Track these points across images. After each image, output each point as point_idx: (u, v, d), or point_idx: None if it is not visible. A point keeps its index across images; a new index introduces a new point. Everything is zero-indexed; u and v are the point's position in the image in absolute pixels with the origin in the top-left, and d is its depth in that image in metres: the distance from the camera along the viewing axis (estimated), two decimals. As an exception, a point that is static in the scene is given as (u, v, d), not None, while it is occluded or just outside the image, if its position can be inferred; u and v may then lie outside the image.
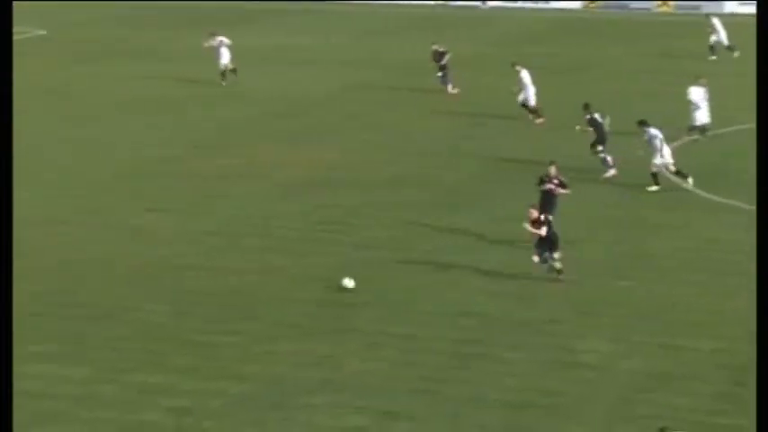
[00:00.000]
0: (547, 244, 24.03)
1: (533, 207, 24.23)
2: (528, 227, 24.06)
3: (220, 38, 44.69)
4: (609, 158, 31.31)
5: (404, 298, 23.02)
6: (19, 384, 19.00)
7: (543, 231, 23.84)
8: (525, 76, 37.92)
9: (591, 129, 31.90)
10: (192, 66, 47.00)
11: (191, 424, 18.29)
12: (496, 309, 22.61)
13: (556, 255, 24.03)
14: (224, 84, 44.45)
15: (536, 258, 24.02)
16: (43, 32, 58.94)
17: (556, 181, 26.13)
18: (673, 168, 30.00)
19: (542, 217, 24.08)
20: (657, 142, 29.86)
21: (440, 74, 42.53)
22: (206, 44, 45.06)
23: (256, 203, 29.81)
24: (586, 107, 31.87)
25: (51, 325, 22.16)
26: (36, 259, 25.50)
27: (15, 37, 61.52)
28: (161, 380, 19.73)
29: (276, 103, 41.85)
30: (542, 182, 26.19)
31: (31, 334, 21.46)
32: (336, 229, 27.64)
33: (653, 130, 30.06)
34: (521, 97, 38.11)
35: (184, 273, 24.85)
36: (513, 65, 38.38)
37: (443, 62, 42.60)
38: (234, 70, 44.49)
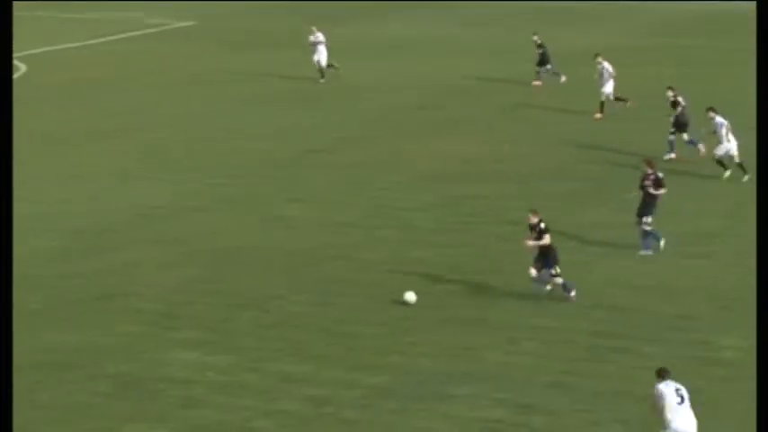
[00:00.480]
0: (545, 257, 22.76)
1: (533, 212, 22.82)
2: (528, 242, 22.76)
3: (318, 34, 44.76)
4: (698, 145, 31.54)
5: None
6: (164, 371, 19.92)
7: (546, 240, 22.57)
8: (607, 67, 37.64)
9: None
10: (336, 58, 46.92)
11: (330, 413, 18.46)
12: (634, 302, 22.39)
13: (554, 270, 22.79)
14: (322, 81, 44.12)
15: (534, 272, 22.78)
16: (190, 23, 60.55)
17: (651, 179, 25.13)
18: (737, 160, 29.96)
19: (539, 223, 22.68)
20: (723, 130, 29.98)
21: (546, 66, 42.54)
22: (310, 39, 44.89)
23: (398, 194, 30.02)
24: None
25: (197, 312, 22.59)
26: (182, 246, 26.14)
27: (164, 28, 63.58)
28: (301, 369, 19.94)
29: (423, 92, 41.92)
30: (642, 181, 25.39)
31: (177, 322, 22.03)
32: (476, 220, 27.65)
33: (719, 119, 30.16)
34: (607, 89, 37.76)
35: (326, 263, 25.11)
36: (596, 56, 38.07)
37: (542, 52, 42.88)
38: (330, 66, 44.45)
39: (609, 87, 37.70)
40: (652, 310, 22.12)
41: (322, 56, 44.46)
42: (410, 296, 22.80)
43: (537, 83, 42.73)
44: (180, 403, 19.00)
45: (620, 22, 58.41)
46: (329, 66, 44.63)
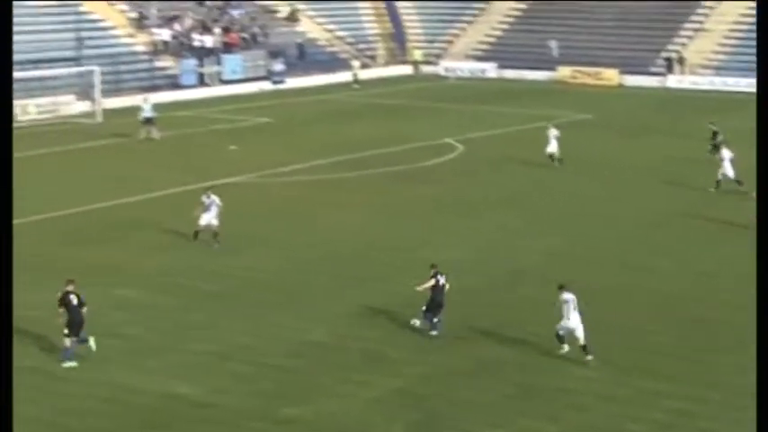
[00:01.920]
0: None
1: None
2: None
3: (552, 129, 48.46)
4: None
5: None
6: (559, 382, 23.70)
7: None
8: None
9: None
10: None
11: (686, 424, 21.59)
12: None
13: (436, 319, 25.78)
14: (556, 164, 47.46)
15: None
16: (588, 116, 66.17)
17: None
18: None
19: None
20: None
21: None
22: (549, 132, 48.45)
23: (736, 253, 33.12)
24: None
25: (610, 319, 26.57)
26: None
27: (566, 120, 68.27)
28: (661, 386, 23.34)
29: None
30: None
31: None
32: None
33: None
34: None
35: (685, 303, 28.87)
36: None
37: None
38: (556, 158, 47.51)
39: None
40: None
41: (551, 147, 47.51)
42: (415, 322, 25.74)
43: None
44: (569, 407, 22.29)
45: None
46: (558, 159, 47.64)
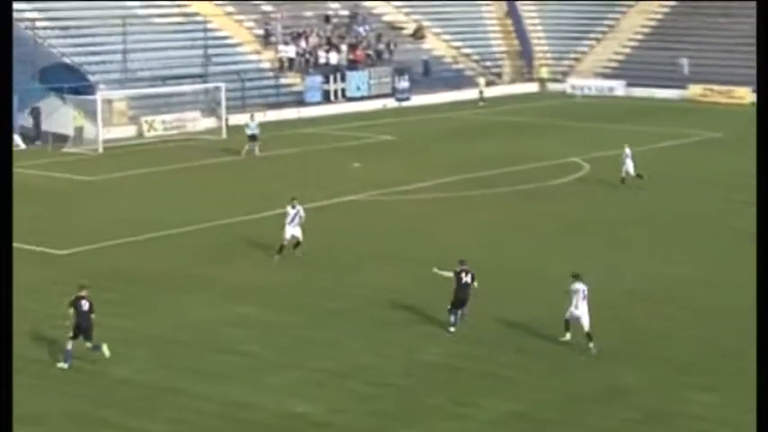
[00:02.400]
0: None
1: None
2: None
3: (626, 149, 47.96)
4: None
5: None
6: (683, 407, 23.41)
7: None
8: None
9: None
10: None
11: None
12: None
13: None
14: (628, 182, 47.10)
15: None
16: (718, 135, 65.00)
17: None
18: None
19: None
20: None
21: None
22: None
23: None
24: None
25: (704, 361, 26.09)
26: (691, 311, 29.61)
27: (697, 138, 67.55)
28: None
29: None
30: None
31: (694, 368, 25.46)
32: None
33: None
34: None
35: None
36: None
37: None
38: (639, 175, 47.19)
39: None
40: None
41: (628, 167, 47.08)
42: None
43: None
44: (691, 433, 22.16)
45: None
46: (637, 175, 46.91)
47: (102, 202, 45.77)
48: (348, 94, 77.79)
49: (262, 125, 59.73)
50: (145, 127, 65.25)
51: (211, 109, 67.94)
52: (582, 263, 34.96)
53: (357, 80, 78.32)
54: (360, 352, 26.77)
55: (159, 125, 65.27)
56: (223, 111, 65.92)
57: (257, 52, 77.35)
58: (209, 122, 66.79)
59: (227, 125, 65.49)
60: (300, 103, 75.23)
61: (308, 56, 78.53)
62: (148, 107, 67.37)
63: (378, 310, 30.14)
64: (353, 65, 79.67)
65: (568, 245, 38.19)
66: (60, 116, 61.97)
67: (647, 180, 48.42)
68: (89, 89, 63.08)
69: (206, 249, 37.32)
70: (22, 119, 61.84)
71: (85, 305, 25.11)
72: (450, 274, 28.28)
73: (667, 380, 25.19)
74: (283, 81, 76.18)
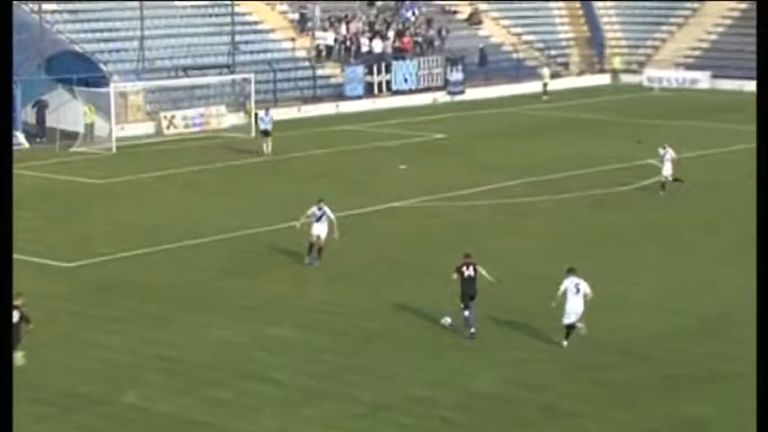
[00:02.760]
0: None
1: None
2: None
3: (667, 149, 47.78)
4: None
5: None
6: None
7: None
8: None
9: None
10: None
11: None
12: None
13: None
14: (661, 193, 47.07)
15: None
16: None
17: None
18: None
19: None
20: None
21: None
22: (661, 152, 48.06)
23: None
24: None
25: None
26: None
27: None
28: None
29: None
30: None
31: None
32: None
33: None
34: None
35: None
36: None
37: None
38: (677, 179, 47.18)
39: None
40: None
41: (666, 170, 47.35)
42: (447, 320, 29.75)
43: None
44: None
45: None
46: (675, 179, 47.24)
47: (113, 207, 45.98)
48: (394, 86, 77.98)
49: (290, 122, 59.74)
50: (164, 123, 65.63)
51: (239, 103, 68.16)
52: (657, 277, 35.04)
53: (404, 71, 78.55)
54: (405, 380, 26.51)
55: (180, 121, 65.63)
56: (252, 105, 65.93)
57: (291, 39, 77.86)
58: (236, 119, 67.25)
59: (256, 122, 65.67)
60: (340, 96, 75.38)
61: (348, 43, 78.67)
62: (168, 101, 67.71)
63: (424, 332, 29.88)
64: (400, 54, 79.79)
65: (643, 256, 37.98)
66: (69, 111, 62.61)
67: (739, 182, 47.94)
68: (101, 81, 63.49)
69: (229, 261, 37.20)
70: (24, 114, 62.18)
71: (16, 315, 25.01)
72: (454, 276, 29.57)
73: (746, 412, 24.11)
74: (321, 72, 76.44)
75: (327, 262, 36.21)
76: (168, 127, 64.93)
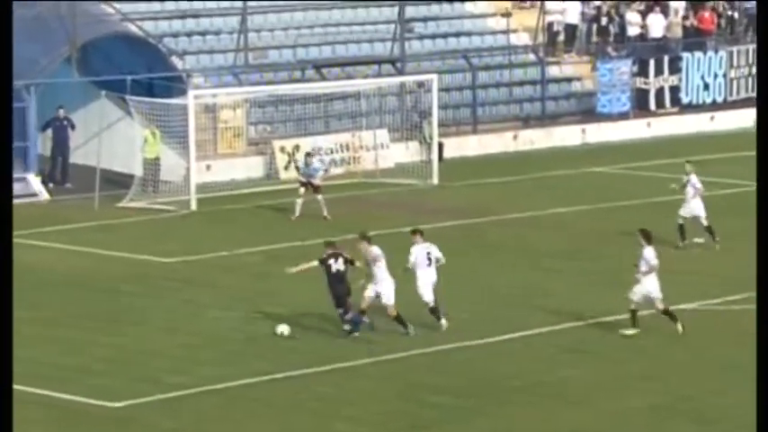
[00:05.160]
0: None
1: None
2: None
3: (691, 178, 53.18)
4: None
5: None
6: None
7: None
8: None
9: None
10: None
11: None
12: None
13: None
14: (680, 245, 52.32)
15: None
16: None
17: None
18: None
19: None
20: None
21: None
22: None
23: None
24: None
25: None
26: None
27: None
28: None
29: None
30: None
31: None
32: None
33: None
34: None
35: None
36: None
37: None
38: (708, 229, 52.68)
39: None
40: None
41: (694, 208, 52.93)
42: (282, 328, 39.90)
43: None
44: None
45: None
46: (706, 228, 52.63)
47: (192, 305, 46.38)
48: (685, 97, 75.99)
49: (497, 159, 58.14)
50: (279, 160, 64.66)
51: (411, 125, 66.81)
52: None
53: (703, 70, 77.06)
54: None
55: (308, 156, 64.41)
56: (434, 128, 65.00)
57: (503, 14, 76.44)
58: (406, 150, 66.64)
59: (440, 156, 64.16)
60: (588, 114, 73.85)
61: (604, 21, 76.95)
62: (288, 120, 66.72)
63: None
64: (697, 40, 77.88)
65: None
66: (117, 137, 62.87)
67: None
68: (173, 85, 62.82)
69: None
70: (41, 141, 61.89)
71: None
72: (312, 264, 39.33)
73: None
74: (554, 72, 75.22)
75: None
76: (287, 166, 63.91)
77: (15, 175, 59.35)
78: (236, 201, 59.91)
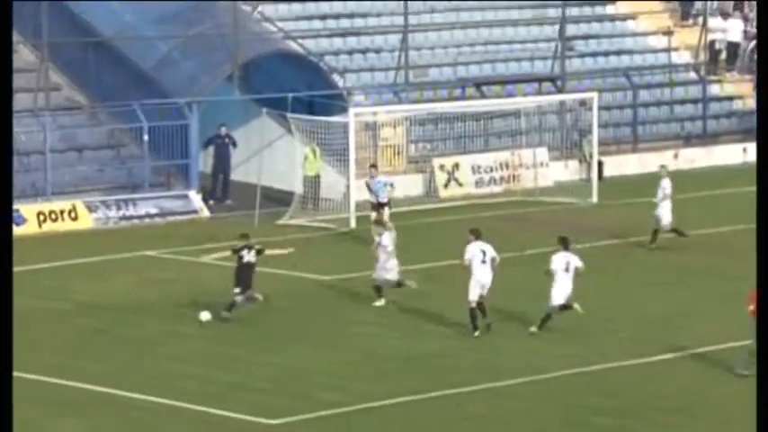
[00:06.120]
0: None
1: None
2: None
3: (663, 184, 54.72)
4: None
5: None
6: None
7: None
8: None
9: None
10: None
11: None
12: None
13: None
14: (652, 245, 54.83)
15: None
16: None
17: None
18: None
19: None
20: None
21: None
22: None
23: None
24: None
25: None
26: None
27: None
28: None
29: None
30: None
31: None
32: None
33: None
34: None
35: None
36: None
37: None
38: (676, 231, 54.65)
39: None
40: None
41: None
42: (204, 315, 43.56)
43: None
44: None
45: None
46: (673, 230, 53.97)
47: (340, 326, 46.86)
48: None
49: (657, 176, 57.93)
50: (439, 178, 64.63)
51: (571, 143, 66.79)
52: None
53: None
54: None
55: (467, 175, 64.73)
56: (594, 147, 65.39)
57: (665, 32, 76.07)
58: (566, 169, 66.75)
59: (600, 175, 64.08)
60: (749, 132, 73.34)
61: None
62: (447, 138, 66.75)
63: None
64: None
65: None
66: (278, 154, 63.51)
67: None
68: (333, 103, 62.91)
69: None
70: (203, 159, 62.43)
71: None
72: (226, 254, 45.05)
73: None
74: (715, 90, 74.79)
75: None
76: (447, 184, 63.91)
77: (177, 192, 60.01)
78: (394, 218, 59.76)
